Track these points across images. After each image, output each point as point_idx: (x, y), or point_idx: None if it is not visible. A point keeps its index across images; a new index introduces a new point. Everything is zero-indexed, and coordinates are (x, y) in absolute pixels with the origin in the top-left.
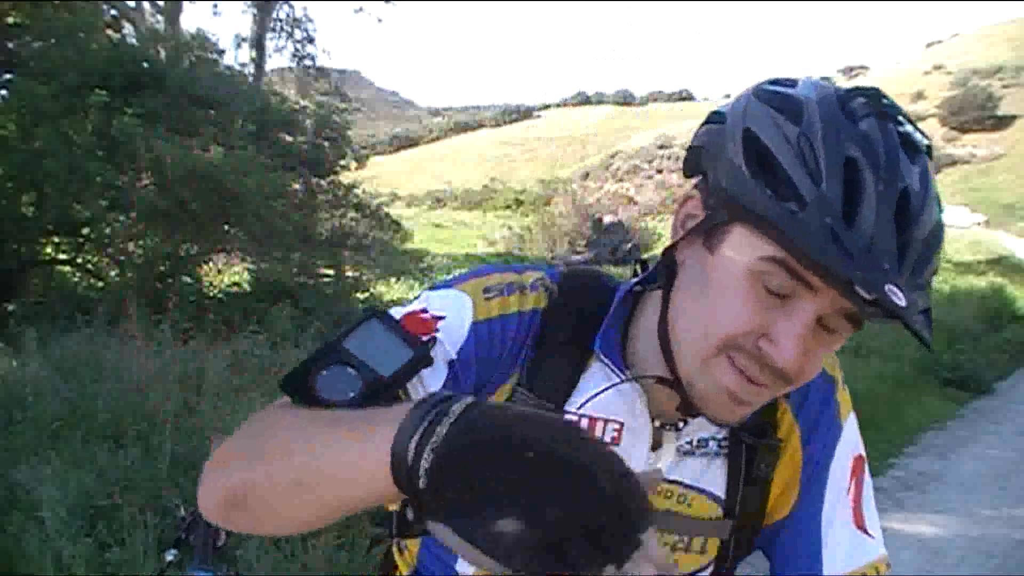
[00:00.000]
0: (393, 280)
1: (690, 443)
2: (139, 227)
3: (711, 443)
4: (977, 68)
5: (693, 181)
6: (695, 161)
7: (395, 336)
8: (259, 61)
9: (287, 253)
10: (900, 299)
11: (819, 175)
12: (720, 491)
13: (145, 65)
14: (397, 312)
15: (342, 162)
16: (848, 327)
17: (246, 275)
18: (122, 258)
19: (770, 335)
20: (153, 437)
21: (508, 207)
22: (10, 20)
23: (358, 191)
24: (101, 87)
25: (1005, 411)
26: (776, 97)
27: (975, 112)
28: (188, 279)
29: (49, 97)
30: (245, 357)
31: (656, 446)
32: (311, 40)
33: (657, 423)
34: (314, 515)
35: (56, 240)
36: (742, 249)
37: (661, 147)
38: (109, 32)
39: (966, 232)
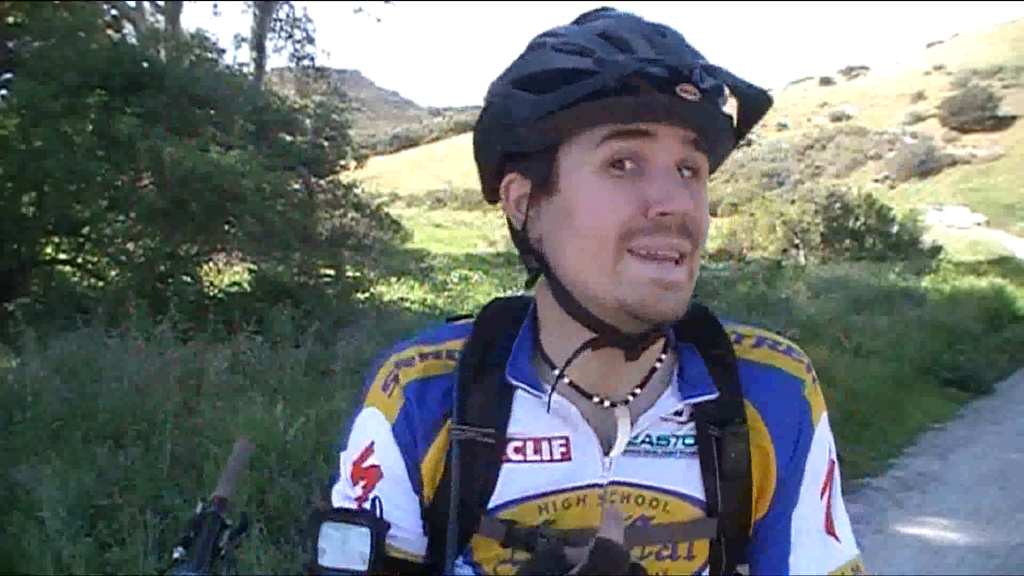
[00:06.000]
0: (393, 280)
1: (648, 440)
2: (139, 227)
3: (676, 442)
4: (977, 68)
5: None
6: (487, 150)
7: (348, 527)
8: (259, 61)
9: (287, 253)
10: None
11: (588, 45)
12: (697, 492)
13: (145, 65)
14: (345, 459)
15: (342, 161)
16: (697, 157)
17: (246, 275)
18: (122, 258)
19: (652, 199)
20: (153, 437)
21: None
22: (10, 20)
23: (358, 191)
24: (101, 87)
25: (1005, 411)
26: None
27: (975, 112)
28: (188, 279)
29: (49, 97)
30: (245, 357)
31: (608, 450)
32: (311, 40)
33: (609, 403)
34: None
35: (56, 240)
36: (578, 156)
37: None
38: (109, 32)
39: (966, 232)
